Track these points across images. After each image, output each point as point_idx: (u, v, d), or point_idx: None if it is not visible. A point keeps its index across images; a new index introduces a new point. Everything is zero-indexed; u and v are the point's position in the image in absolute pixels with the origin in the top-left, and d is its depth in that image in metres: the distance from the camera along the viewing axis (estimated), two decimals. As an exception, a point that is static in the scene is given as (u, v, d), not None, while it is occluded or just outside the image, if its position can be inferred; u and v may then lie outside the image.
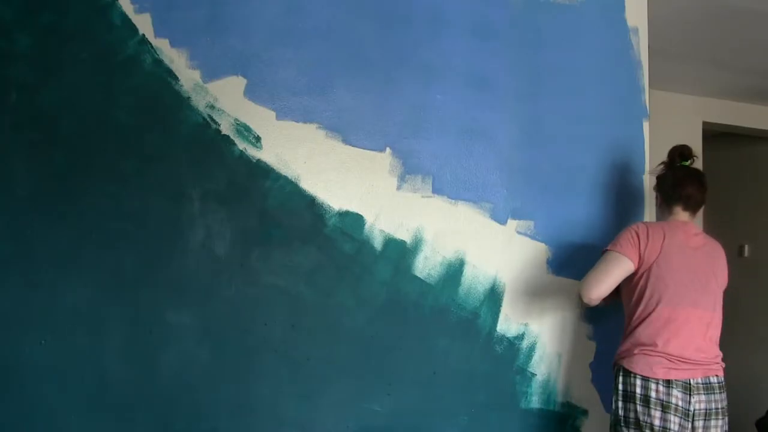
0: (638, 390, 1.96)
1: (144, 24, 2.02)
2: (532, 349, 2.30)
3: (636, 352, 2.00)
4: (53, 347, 1.91)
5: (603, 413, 2.31)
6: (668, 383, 1.95)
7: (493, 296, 2.27)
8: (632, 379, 1.98)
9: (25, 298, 1.91)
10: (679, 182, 2.17)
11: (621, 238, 2.10)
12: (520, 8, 2.41)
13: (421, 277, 2.22)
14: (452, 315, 2.23)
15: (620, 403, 2.00)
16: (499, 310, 2.27)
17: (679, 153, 2.23)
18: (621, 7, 2.55)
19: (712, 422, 1.97)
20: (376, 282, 2.17)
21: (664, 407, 1.93)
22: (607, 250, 2.10)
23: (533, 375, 2.29)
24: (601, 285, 2.04)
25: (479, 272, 2.26)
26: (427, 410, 2.19)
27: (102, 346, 1.94)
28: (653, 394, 1.94)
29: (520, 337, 2.29)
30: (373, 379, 2.16)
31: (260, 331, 2.06)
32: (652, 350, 1.98)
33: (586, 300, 2.06)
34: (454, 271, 2.24)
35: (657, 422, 1.92)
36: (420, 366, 2.20)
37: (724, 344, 2.08)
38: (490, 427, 2.23)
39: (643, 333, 2.02)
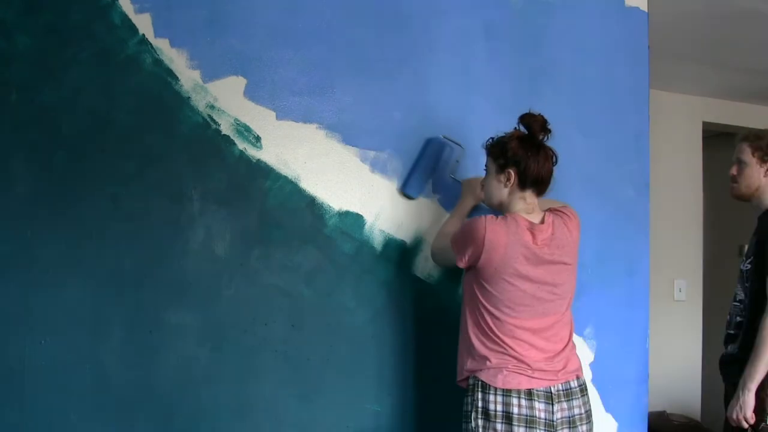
0: (499, 408, 1.82)
1: (144, 24, 2.02)
2: (532, 349, 2.29)
3: (492, 365, 1.86)
4: (53, 347, 1.90)
5: (603, 413, 2.32)
6: (530, 395, 1.82)
7: (493, 296, 2.27)
8: (492, 395, 1.83)
9: (25, 298, 1.91)
10: (544, 163, 1.93)
11: (462, 233, 1.94)
12: (520, 8, 2.41)
13: (421, 277, 2.22)
14: (452, 315, 2.22)
15: (480, 422, 1.83)
16: (499, 310, 2.27)
17: (543, 126, 1.94)
18: (621, 6, 2.55)
19: (578, 429, 1.87)
20: (376, 282, 2.17)
21: (529, 422, 1.80)
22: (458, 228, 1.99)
23: (533, 375, 2.29)
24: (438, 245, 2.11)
25: (479, 272, 2.26)
26: (428, 410, 2.19)
27: (102, 346, 1.94)
28: (515, 410, 1.81)
29: (520, 337, 2.28)
30: (373, 379, 2.16)
31: (260, 331, 2.06)
32: (508, 362, 1.85)
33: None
34: (455, 271, 2.24)
35: None
36: (420, 366, 2.20)
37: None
38: (490, 427, 2.23)
39: (495, 343, 1.87)
